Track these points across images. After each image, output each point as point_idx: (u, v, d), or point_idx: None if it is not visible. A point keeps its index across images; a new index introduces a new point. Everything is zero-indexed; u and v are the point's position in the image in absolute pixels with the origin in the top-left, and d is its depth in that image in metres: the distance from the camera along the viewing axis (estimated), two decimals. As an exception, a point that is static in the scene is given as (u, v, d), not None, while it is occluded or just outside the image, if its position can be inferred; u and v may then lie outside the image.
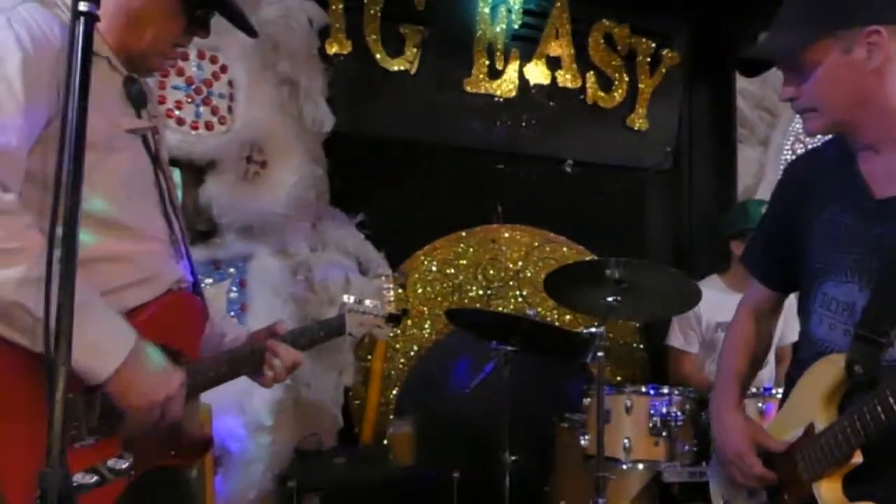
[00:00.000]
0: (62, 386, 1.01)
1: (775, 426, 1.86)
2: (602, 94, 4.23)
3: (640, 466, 2.92)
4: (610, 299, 2.70)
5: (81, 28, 1.09)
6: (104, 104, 1.53)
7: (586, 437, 2.98)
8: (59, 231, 1.05)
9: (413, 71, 3.90)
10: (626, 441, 2.87)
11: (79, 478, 1.30)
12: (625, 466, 2.89)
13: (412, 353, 4.00)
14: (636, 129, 4.32)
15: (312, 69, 3.48)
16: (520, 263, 4.14)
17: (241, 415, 3.23)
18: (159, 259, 1.65)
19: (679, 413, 2.86)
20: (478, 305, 4.05)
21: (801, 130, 4.59)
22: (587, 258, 4.22)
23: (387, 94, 3.89)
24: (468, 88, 4.00)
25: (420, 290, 4.01)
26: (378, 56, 3.84)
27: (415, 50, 3.88)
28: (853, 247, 1.72)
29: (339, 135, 3.66)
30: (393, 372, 3.97)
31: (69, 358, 1.01)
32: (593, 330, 2.65)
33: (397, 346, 3.97)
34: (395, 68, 3.87)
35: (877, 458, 1.61)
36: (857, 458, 1.62)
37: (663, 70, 4.33)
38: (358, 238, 3.75)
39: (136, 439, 1.53)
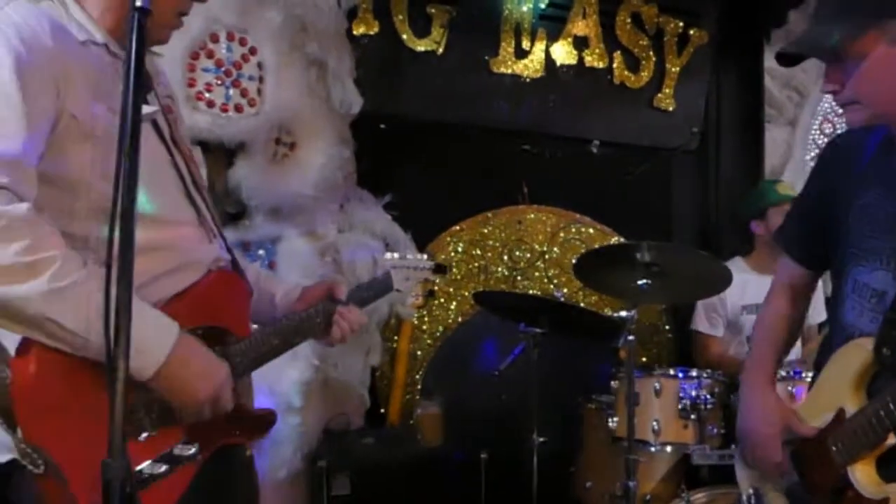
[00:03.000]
0: (122, 378, 1.02)
1: (803, 411, 1.86)
2: (629, 74, 4.20)
3: (669, 449, 2.93)
4: (640, 283, 2.69)
5: (135, 23, 1.09)
6: (106, 93, 1.51)
7: (615, 419, 2.99)
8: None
9: (440, 51, 3.88)
10: (654, 423, 2.87)
11: (147, 467, 1.32)
12: (653, 449, 2.90)
13: (438, 334, 4.01)
14: (663, 109, 4.29)
15: (340, 50, 3.47)
16: (546, 244, 4.14)
17: (271, 396, 3.25)
18: (191, 243, 1.64)
19: (708, 396, 2.86)
20: (503, 286, 4.06)
21: (829, 110, 4.55)
22: (613, 239, 4.22)
23: (414, 74, 3.88)
24: (495, 69, 3.98)
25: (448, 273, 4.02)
26: (405, 36, 3.83)
27: (441, 30, 3.86)
28: (888, 233, 1.71)
29: (366, 116, 3.65)
30: (419, 352, 4.00)
31: (128, 352, 1.03)
32: (624, 314, 2.65)
33: (424, 326, 3.99)
34: (422, 49, 3.86)
35: None
36: (892, 440, 1.63)
37: (691, 50, 4.29)
38: (385, 219, 3.75)
39: (198, 424, 1.55)
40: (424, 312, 4.00)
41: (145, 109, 1.60)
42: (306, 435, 3.36)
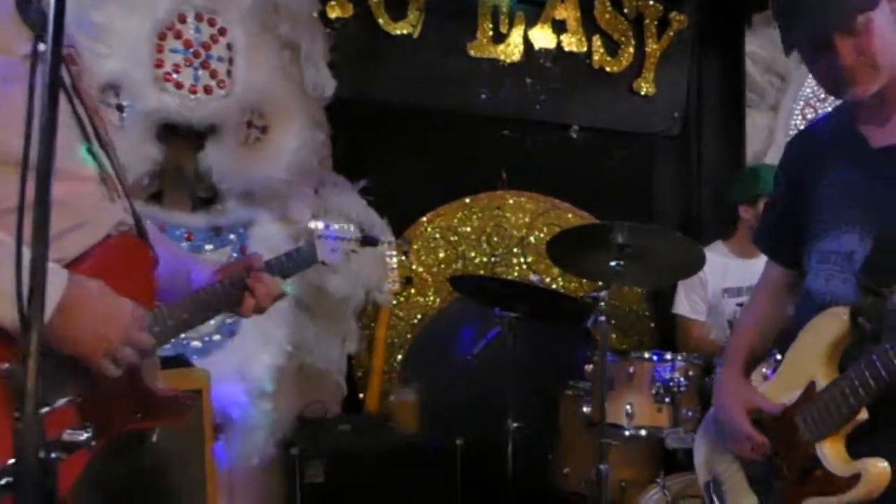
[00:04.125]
0: (36, 340, 0.98)
1: (772, 389, 1.83)
2: (609, 58, 4.16)
3: (644, 433, 2.89)
4: (613, 264, 2.65)
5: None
6: None
7: (590, 403, 2.95)
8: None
9: (416, 35, 3.83)
10: (628, 407, 2.84)
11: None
12: (627, 433, 2.87)
13: (416, 321, 3.97)
14: (643, 94, 4.25)
15: (314, 33, 3.42)
16: (525, 230, 4.10)
17: (243, 382, 3.22)
18: (90, 200, 1.54)
19: (682, 379, 2.83)
20: (482, 273, 4.02)
21: (811, 95, 4.52)
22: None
23: (390, 58, 3.83)
24: (472, 53, 3.94)
25: (424, 258, 3.98)
26: (380, 20, 3.78)
27: (418, 13, 3.82)
28: (854, 200, 1.71)
29: (342, 100, 3.61)
30: (397, 339, 3.95)
31: (42, 312, 0.98)
32: (595, 294, 2.61)
33: (401, 313, 3.95)
34: (398, 32, 3.81)
35: (881, 413, 1.58)
36: (863, 415, 1.59)
37: (671, 34, 4.25)
38: (361, 205, 3.70)
39: (95, 405, 1.45)
40: (402, 299, 3.95)
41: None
42: (279, 422, 3.32)
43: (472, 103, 3.98)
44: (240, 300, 1.85)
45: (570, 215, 4.18)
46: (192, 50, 3.07)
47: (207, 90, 3.10)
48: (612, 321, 2.88)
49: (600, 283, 2.75)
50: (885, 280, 1.61)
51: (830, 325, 1.66)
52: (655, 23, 4.22)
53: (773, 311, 1.99)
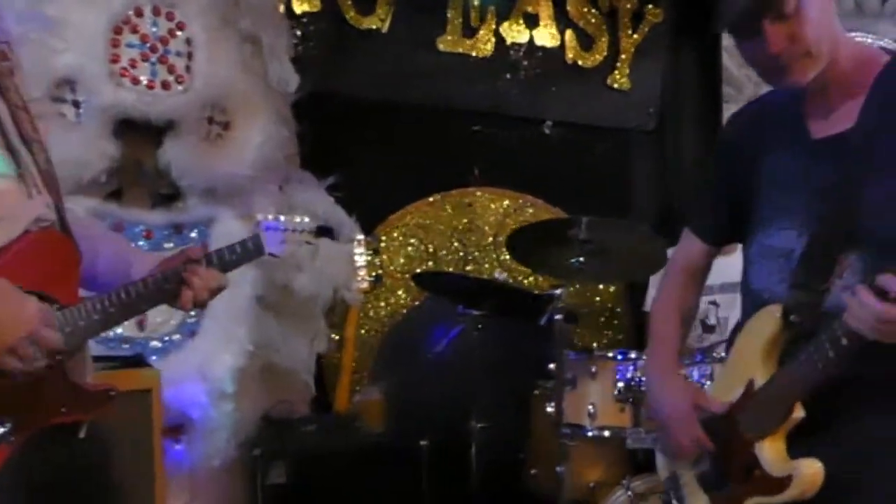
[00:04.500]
0: None
1: (717, 387, 1.78)
2: (582, 52, 4.12)
3: (607, 433, 2.84)
4: (573, 260, 2.60)
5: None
6: None
7: (552, 403, 2.90)
8: None
9: (385, 29, 3.79)
10: (590, 407, 2.79)
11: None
12: (590, 433, 2.82)
13: (387, 319, 3.93)
14: (618, 88, 4.20)
15: (277, 27, 3.36)
16: (497, 227, 4.04)
17: (203, 382, 3.16)
18: (6, 196, 1.53)
19: (644, 378, 2.77)
20: (454, 270, 3.97)
21: (790, 90, 4.46)
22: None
23: (359, 53, 3.79)
24: (442, 47, 3.90)
25: (394, 255, 3.93)
26: (348, 14, 3.73)
27: (386, 8, 3.77)
28: (793, 193, 1.66)
29: (311, 95, 3.55)
30: (367, 338, 3.91)
31: None
32: (551, 292, 2.56)
33: (371, 312, 3.90)
34: (367, 27, 3.77)
35: (820, 412, 1.53)
36: (798, 413, 1.55)
37: (646, 28, 4.20)
38: (328, 201, 3.64)
39: (14, 399, 1.43)
40: (373, 297, 3.90)
41: None
42: (242, 422, 3.25)
43: (443, 99, 3.94)
44: (176, 293, 1.81)
45: (544, 212, 4.13)
46: (148, 44, 3.01)
47: (165, 85, 3.04)
48: (576, 318, 2.80)
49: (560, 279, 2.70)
50: (819, 276, 1.56)
51: (765, 324, 1.62)
52: (630, 17, 4.17)
53: (690, 293, 1.93)
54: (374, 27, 3.77)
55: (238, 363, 3.22)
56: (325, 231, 2.47)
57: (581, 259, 2.57)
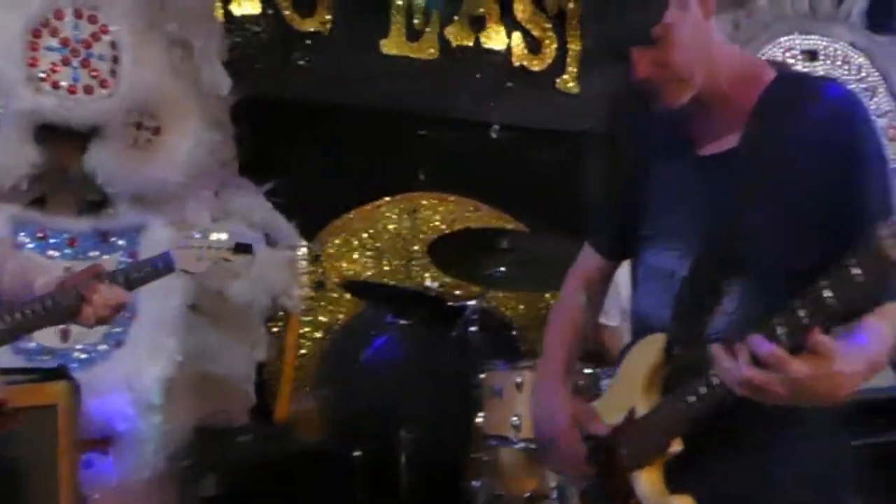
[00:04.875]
0: None
1: (604, 406, 1.72)
2: (530, 55, 4.06)
3: (533, 446, 2.78)
4: (496, 270, 2.54)
5: None
6: None
7: (480, 414, 2.84)
8: None
9: (326, 32, 3.73)
10: (515, 419, 2.72)
11: None
12: (515, 445, 2.76)
13: (330, 327, 3.86)
14: (567, 92, 4.15)
15: (207, 30, 3.30)
16: (443, 234, 3.98)
17: (129, 393, 3.10)
18: None
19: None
20: (399, 276, 3.91)
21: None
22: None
23: (300, 56, 3.74)
24: (385, 50, 3.84)
25: (337, 262, 3.87)
26: (288, 15, 3.67)
27: (327, 10, 3.71)
28: (676, 211, 1.60)
29: (251, 99, 3.50)
30: (309, 346, 3.84)
31: None
32: (463, 303, 2.50)
33: (314, 319, 3.83)
34: (308, 29, 3.70)
35: (699, 446, 1.47)
36: (676, 447, 1.49)
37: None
38: (266, 207, 3.58)
39: None
40: (316, 304, 3.84)
41: None
42: (171, 434, 3.19)
43: (388, 102, 3.87)
44: (76, 310, 1.83)
45: (492, 218, 4.08)
46: (70, 48, 2.94)
47: (88, 90, 2.98)
48: (507, 327, 2.74)
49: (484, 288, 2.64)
50: (702, 302, 1.51)
51: (648, 354, 1.57)
52: (578, 19, 4.12)
53: (587, 312, 1.87)
54: (315, 29, 3.70)
55: (167, 373, 3.15)
56: (243, 248, 2.41)
57: (503, 269, 2.51)
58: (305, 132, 3.76)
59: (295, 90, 3.72)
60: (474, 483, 2.49)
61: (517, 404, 2.77)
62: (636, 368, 1.61)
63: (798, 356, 1.23)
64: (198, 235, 2.23)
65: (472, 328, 2.50)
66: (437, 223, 3.97)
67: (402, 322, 2.90)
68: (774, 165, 1.48)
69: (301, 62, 3.72)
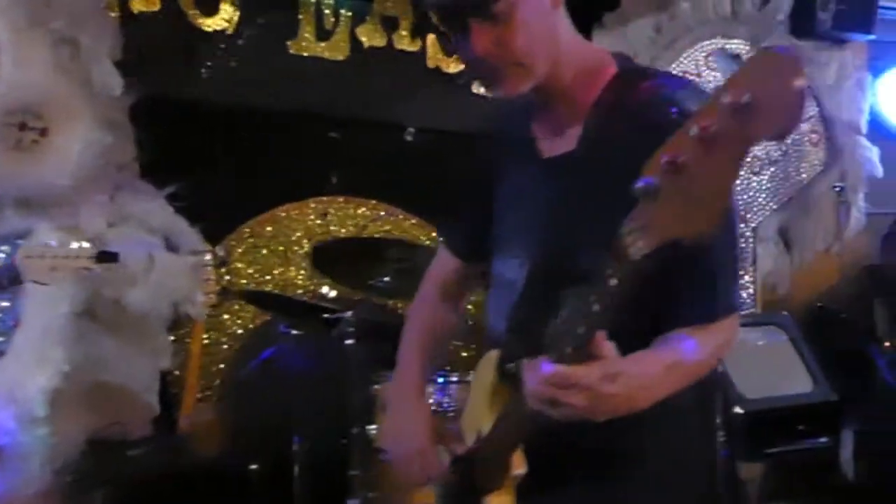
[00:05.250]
0: None
1: (466, 420, 1.65)
2: (444, 57, 3.98)
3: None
4: (379, 280, 2.46)
5: None
6: None
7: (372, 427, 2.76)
8: None
9: (231, 31, 3.62)
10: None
11: None
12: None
13: (238, 335, 3.75)
14: (483, 94, 4.06)
15: (98, 27, 3.17)
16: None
17: (12, 406, 2.97)
18: None
19: (452, 403, 2.64)
20: (310, 283, 3.80)
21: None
22: (432, 233, 3.99)
23: (203, 55, 3.62)
24: (294, 50, 3.73)
25: (245, 268, 3.76)
26: (190, 13, 3.55)
27: (232, 8, 3.60)
28: (519, 215, 1.54)
29: (152, 100, 3.39)
30: (217, 355, 3.73)
31: None
32: (340, 314, 2.41)
33: (220, 326, 3.72)
34: (211, 28, 3.59)
35: (549, 471, 1.41)
36: (519, 470, 1.42)
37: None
38: (166, 212, 3.46)
39: None
40: (223, 312, 3.73)
41: None
42: (59, 447, 3.07)
43: (297, 104, 3.76)
44: None
45: (407, 223, 3.99)
46: (-59, 46, 2.81)
47: (-36, 90, 2.85)
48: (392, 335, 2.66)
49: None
50: (539, 314, 1.43)
51: (486, 371, 1.51)
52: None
53: (445, 311, 1.80)
54: (219, 28, 3.59)
55: (53, 384, 3.02)
56: (108, 256, 2.31)
57: (385, 279, 2.43)
58: (211, 134, 3.64)
59: (199, 91, 3.61)
60: (359, 497, 2.40)
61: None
62: (479, 385, 1.55)
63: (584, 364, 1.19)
64: (52, 244, 2.13)
65: (349, 340, 2.41)
66: (348, 229, 3.88)
67: (294, 332, 2.80)
68: (608, 170, 1.38)
69: (205, 62, 3.60)
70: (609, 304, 1.13)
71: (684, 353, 1.32)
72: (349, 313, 2.40)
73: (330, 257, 2.69)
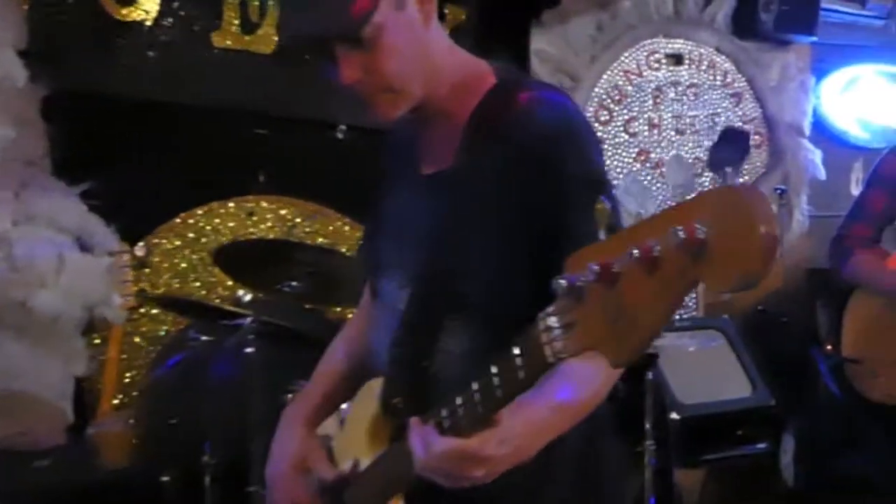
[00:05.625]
0: None
1: (338, 445, 1.53)
2: (377, 53, 3.85)
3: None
4: (286, 284, 2.33)
5: None
6: None
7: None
8: None
9: (150, 22, 3.47)
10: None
11: None
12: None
13: (160, 339, 3.59)
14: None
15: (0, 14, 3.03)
16: (295, 238, 3.74)
17: None
18: None
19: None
20: (235, 287, 3.64)
21: (604, 97, 4.30)
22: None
23: (122, 47, 3.47)
24: (217, 43, 3.59)
25: (166, 270, 3.61)
26: (106, 4, 3.39)
27: (150, -3, 3.46)
28: (400, 236, 1.44)
29: (66, 93, 3.25)
30: (136, 360, 3.57)
31: None
32: (239, 321, 2.28)
33: (139, 330, 3.56)
34: (129, 18, 3.44)
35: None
36: None
37: (447, 29, 3.95)
38: (78, 210, 3.32)
39: None
40: (143, 316, 3.57)
41: None
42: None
43: (221, 99, 3.62)
44: None
45: (338, 223, 3.86)
46: None
47: None
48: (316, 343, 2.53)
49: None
50: (421, 342, 1.33)
51: (369, 401, 1.40)
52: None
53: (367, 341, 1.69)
54: (138, 19, 3.44)
55: (-49, 392, 2.89)
56: None
57: (294, 283, 2.30)
58: (131, 130, 3.49)
59: (118, 84, 3.45)
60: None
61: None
62: (361, 413, 1.44)
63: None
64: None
65: (248, 348, 2.27)
66: (275, 229, 3.74)
67: (204, 339, 2.66)
68: (482, 190, 1.31)
69: (123, 54, 3.44)
70: (514, 392, 1.07)
71: (567, 390, 1.22)
72: (248, 320, 2.27)
73: (234, 259, 2.54)
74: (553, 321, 0.96)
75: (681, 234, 0.81)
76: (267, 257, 2.47)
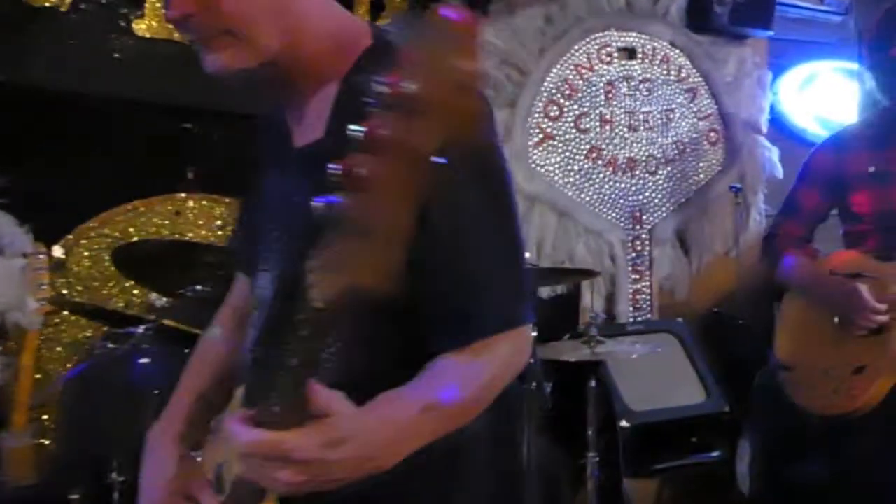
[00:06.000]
0: None
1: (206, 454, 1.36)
2: (313, 43, 3.67)
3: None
4: (188, 288, 2.14)
5: None
6: None
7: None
8: None
9: (65, 8, 3.26)
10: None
11: None
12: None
13: (79, 346, 3.38)
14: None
15: None
16: (212, 239, 3.55)
17: None
18: None
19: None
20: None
21: (554, 91, 4.14)
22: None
23: (34, 36, 3.25)
24: (141, 32, 3.39)
25: (86, 273, 3.39)
26: (15, -13, 3.19)
27: (67, -18, 3.25)
28: (271, 220, 1.26)
29: (-26, 85, 3.04)
30: (55, 369, 3.35)
31: None
32: (132, 329, 2.09)
33: (56, 337, 3.35)
34: (42, 4, 3.22)
35: None
36: None
37: (388, 19, 3.79)
38: (-11, 209, 3.11)
39: None
40: (61, 322, 3.36)
41: None
42: None
43: (146, 91, 3.41)
44: None
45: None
46: None
47: None
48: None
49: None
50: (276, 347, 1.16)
51: (235, 408, 1.22)
52: (369, 4, 3.75)
53: (237, 341, 1.51)
54: (51, 5, 3.23)
55: None
56: None
57: (199, 287, 2.11)
58: (46, 123, 3.28)
59: (31, 75, 3.24)
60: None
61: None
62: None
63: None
64: None
65: (143, 359, 2.08)
66: (204, 228, 3.54)
67: (110, 346, 2.46)
68: None
69: (37, 42, 3.23)
70: (308, 359, 0.91)
71: (443, 388, 1.05)
72: (141, 328, 2.08)
73: (133, 259, 2.35)
74: (316, 260, 0.84)
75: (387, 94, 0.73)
76: (169, 259, 2.27)
